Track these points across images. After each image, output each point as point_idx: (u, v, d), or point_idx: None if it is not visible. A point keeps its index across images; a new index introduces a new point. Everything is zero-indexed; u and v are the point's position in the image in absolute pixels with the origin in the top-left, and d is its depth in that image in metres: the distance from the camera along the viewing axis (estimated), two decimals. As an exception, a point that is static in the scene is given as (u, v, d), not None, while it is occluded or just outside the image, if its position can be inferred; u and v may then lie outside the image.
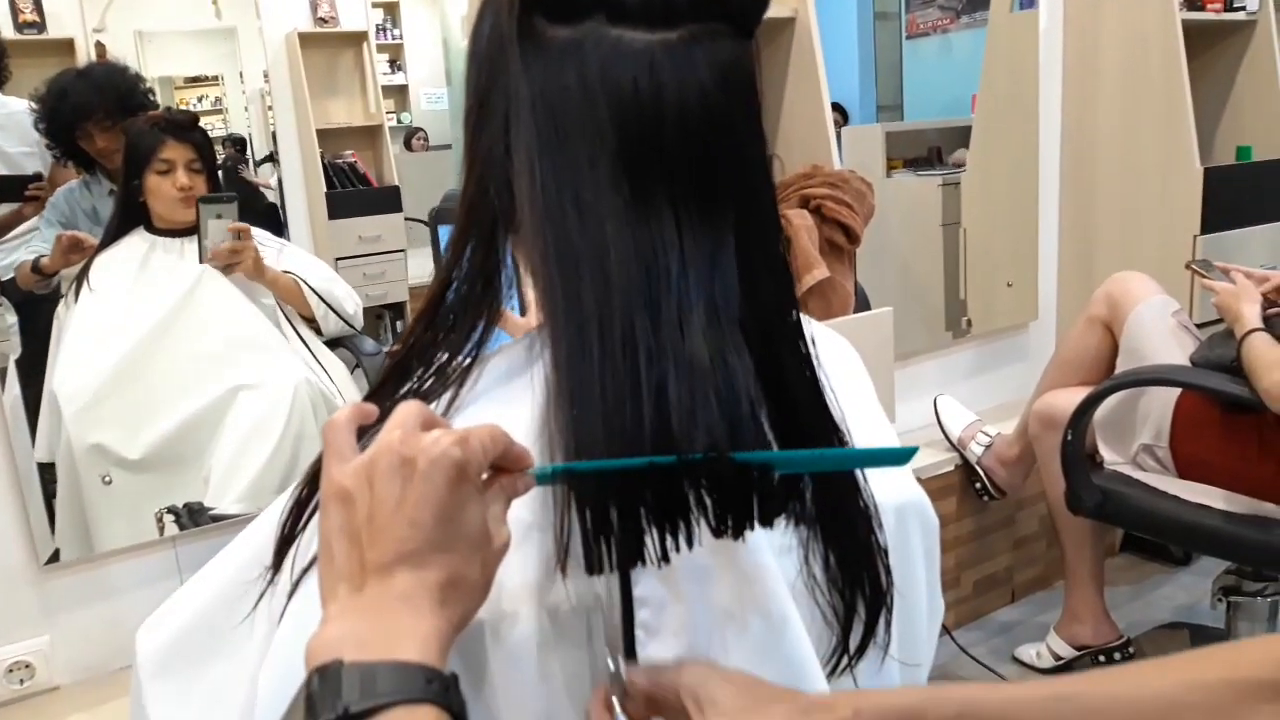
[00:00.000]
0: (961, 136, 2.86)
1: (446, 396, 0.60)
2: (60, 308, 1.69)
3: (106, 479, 1.64)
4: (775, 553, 0.61)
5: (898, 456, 0.57)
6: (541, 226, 0.56)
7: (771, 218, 0.61)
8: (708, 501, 0.54)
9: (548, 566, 0.56)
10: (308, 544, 0.58)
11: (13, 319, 1.64)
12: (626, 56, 0.54)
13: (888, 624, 0.66)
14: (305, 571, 0.57)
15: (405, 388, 0.61)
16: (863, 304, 2.23)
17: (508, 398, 0.60)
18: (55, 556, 1.55)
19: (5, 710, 1.49)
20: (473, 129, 0.60)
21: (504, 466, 0.52)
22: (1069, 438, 1.72)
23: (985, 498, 2.19)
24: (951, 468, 2.20)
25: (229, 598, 0.74)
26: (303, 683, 0.45)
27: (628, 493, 0.53)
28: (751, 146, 0.59)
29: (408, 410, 0.51)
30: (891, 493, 0.69)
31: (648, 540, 0.54)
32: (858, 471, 0.64)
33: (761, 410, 0.57)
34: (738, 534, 0.56)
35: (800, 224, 1.62)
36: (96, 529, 1.64)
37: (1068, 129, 2.65)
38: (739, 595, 0.60)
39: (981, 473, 2.17)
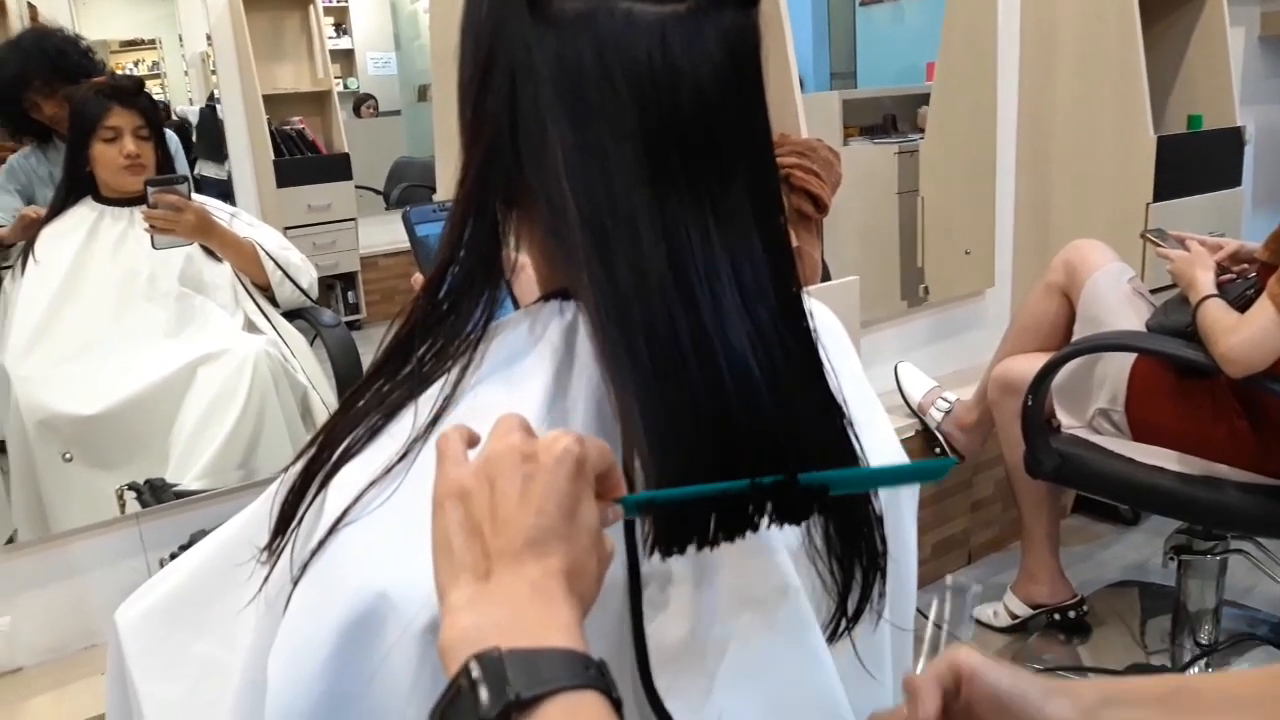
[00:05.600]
0: (916, 104, 2.89)
1: (452, 376, 0.59)
2: (6, 281, 1.65)
3: (67, 456, 1.61)
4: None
5: (936, 471, 0.59)
6: (568, 200, 0.55)
7: (776, 189, 0.61)
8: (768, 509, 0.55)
9: None
10: (307, 533, 0.58)
11: None
12: (639, 29, 0.54)
13: (882, 590, 0.67)
14: (309, 561, 0.56)
15: (407, 368, 0.61)
16: (824, 272, 2.24)
17: (515, 376, 0.60)
18: (13, 537, 1.52)
19: (-34, 693, 1.47)
20: (473, 103, 0.59)
21: (600, 491, 0.52)
22: (1029, 403, 1.76)
23: (944, 462, 2.23)
24: (912, 433, 2.24)
25: (211, 575, 0.73)
26: (459, 671, 0.44)
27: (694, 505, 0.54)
28: (759, 117, 0.60)
29: (511, 419, 0.51)
30: (885, 461, 0.70)
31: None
32: (856, 445, 0.65)
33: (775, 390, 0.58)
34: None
35: (769, 193, 1.62)
36: (54, 507, 1.61)
37: (1025, 98, 2.68)
38: (744, 568, 0.60)
39: (941, 438, 2.21)
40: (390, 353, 0.62)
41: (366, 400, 0.61)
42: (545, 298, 0.63)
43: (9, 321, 1.65)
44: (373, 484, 0.57)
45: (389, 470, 0.57)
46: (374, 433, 0.59)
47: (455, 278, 0.60)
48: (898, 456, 0.74)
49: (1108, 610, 2.15)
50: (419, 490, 0.56)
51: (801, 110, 1.90)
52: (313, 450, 0.62)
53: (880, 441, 0.72)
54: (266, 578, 0.61)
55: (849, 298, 1.71)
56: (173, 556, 1.55)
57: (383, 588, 0.53)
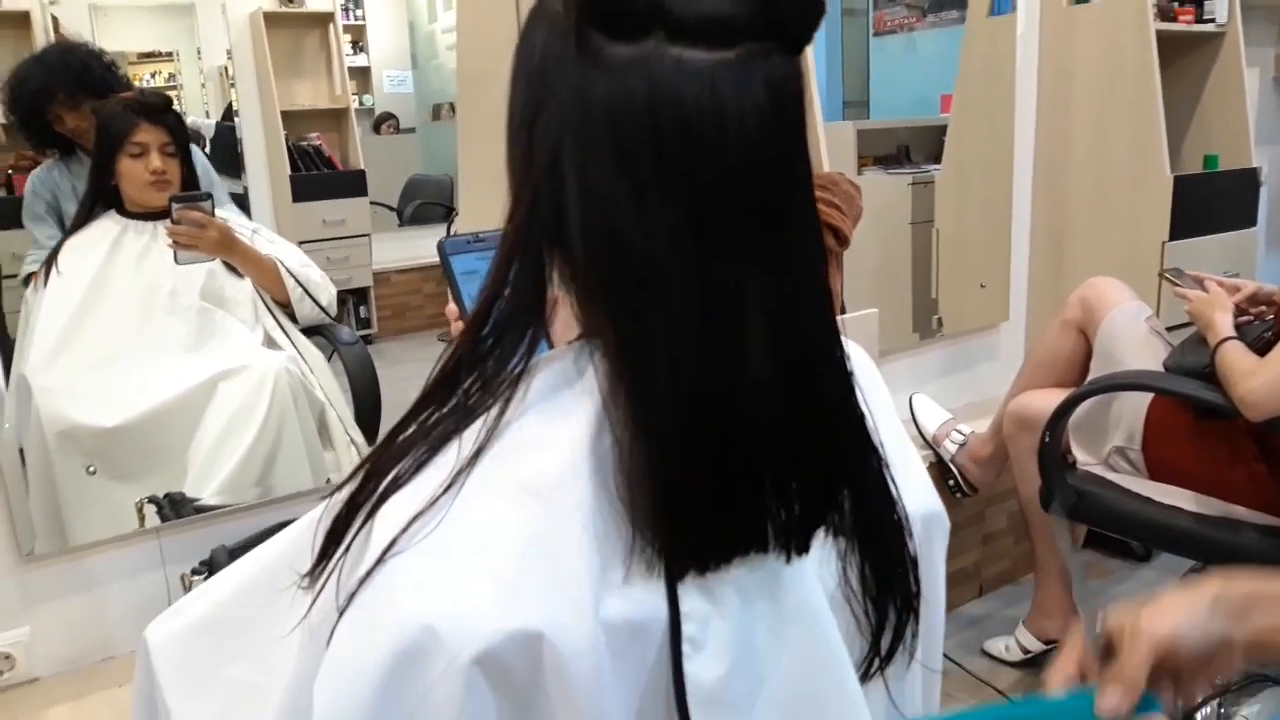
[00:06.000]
0: (929, 135, 2.90)
1: (495, 410, 0.60)
2: (29, 292, 1.67)
3: (90, 469, 1.62)
4: (814, 564, 0.63)
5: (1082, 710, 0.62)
6: (601, 245, 0.57)
7: (818, 236, 0.62)
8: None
9: (605, 577, 0.56)
10: (354, 563, 0.58)
11: None
12: (689, 76, 0.54)
13: (914, 631, 0.68)
14: (355, 591, 0.56)
15: (452, 400, 0.61)
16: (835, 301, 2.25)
17: (557, 409, 0.61)
18: (33, 549, 1.53)
19: (-16, 702, 1.48)
20: (522, 145, 0.61)
21: None
22: (1046, 439, 1.76)
23: (958, 494, 2.23)
24: (926, 465, 2.24)
25: (249, 599, 0.74)
26: None
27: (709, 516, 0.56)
28: (801, 164, 0.60)
29: None
30: (918, 504, 0.71)
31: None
32: (891, 485, 0.66)
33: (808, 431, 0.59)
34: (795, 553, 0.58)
35: (791, 225, 1.62)
36: (73, 520, 1.62)
37: (1042, 133, 2.70)
38: (780, 608, 0.61)
39: (955, 470, 2.21)
40: (436, 386, 0.62)
41: (412, 432, 0.62)
42: (585, 335, 0.64)
43: (31, 332, 1.66)
44: (419, 515, 0.57)
45: (434, 502, 0.58)
46: (420, 465, 0.60)
47: (500, 313, 0.61)
48: (930, 496, 0.75)
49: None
50: (463, 522, 0.57)
51: (824, 142, 1.91)
52: (358, 480, 0.62)
53: (913, 482, 0.72)
54: (311, 605, 0.62)
55: (868, 330, 1.72)
56: (193, 572, 1.56)
57: (429, 621, 0.54)
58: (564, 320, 0.71)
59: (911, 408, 2.31)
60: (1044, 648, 2.08)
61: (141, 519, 1.65)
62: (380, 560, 0.56)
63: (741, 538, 0.58)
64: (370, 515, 0.60)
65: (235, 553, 1.55)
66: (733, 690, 0.58)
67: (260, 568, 0.74)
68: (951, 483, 2.22)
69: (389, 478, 0.60)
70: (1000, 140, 2.63)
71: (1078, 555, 2.13)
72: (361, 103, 2.24)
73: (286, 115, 1.91)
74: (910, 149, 3.04)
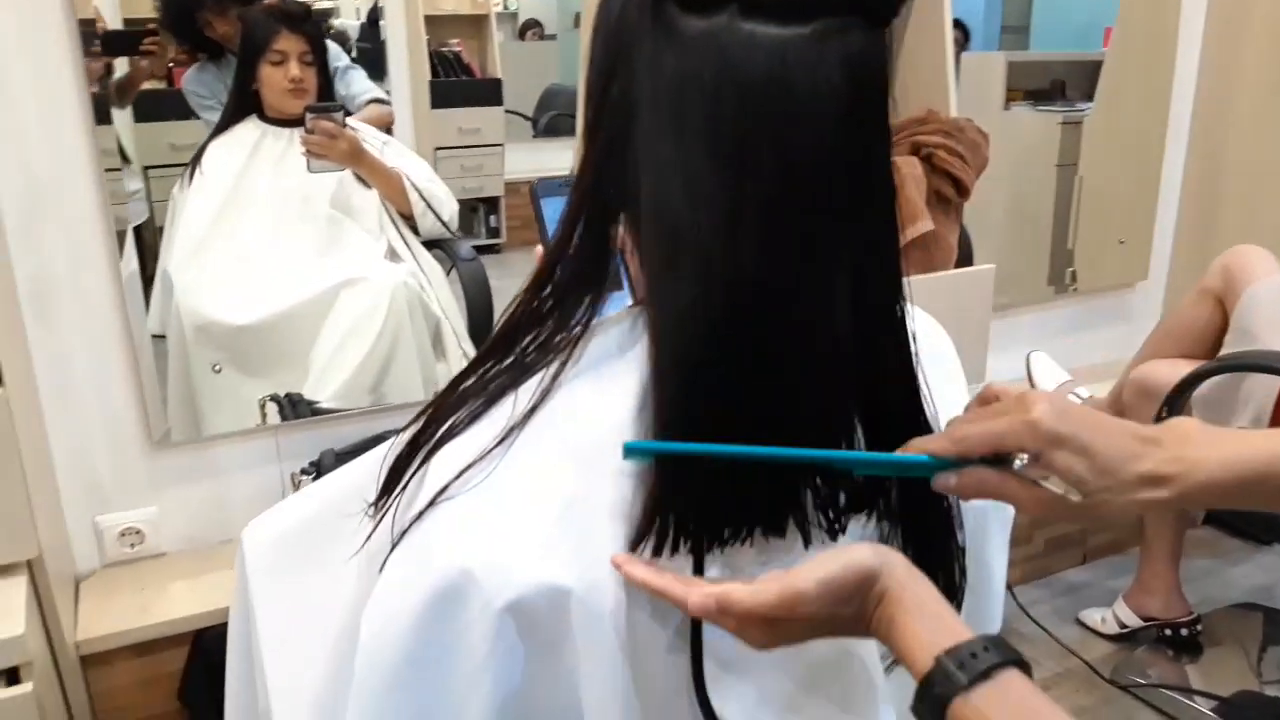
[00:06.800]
0: (1087, 71, 2.71)
1: (551, 370, 0.62)
2: (175, 189, 1.75)
3: (216, 368, 1.72)
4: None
5: (927, 467, 0.59)
6: (655, 216, 0.57)
7: (889, 220, 0.61)
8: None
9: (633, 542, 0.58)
10: (409, 501, 0.62)
11: (138, 185, 1.70)
12: (759, 51, 0.54)
13: (959, 601, 0.67)
14: (407, 529, 0.60)
15: (511, 357, 0.63)
16: (965, 247, 2.17)
17: (609, 375, 0.62)
18: (166, 434, 1.65)
19: (117, 570, 1.62)
20: (595, 104, 0.61)
21: None
22: (1164, 413, 1.68)
23: (1067, 459, 2.15)
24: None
25: (328, 518, 0.79)
26: None
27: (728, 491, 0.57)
28: (878, 143, 0.59)
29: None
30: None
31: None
32: None
33: (856, 421, 0.59)
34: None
35: (908, 172, 1.58)
36: (204, 411, 1.73)
37: (1205, 80, 2.49)
38: None
39: (1067, 434, 2.13)
40: (497, 341, 0.65)
41: (471, 383, 0.64)
42: (642, 303, 0.65)
43: (175, 229, 1.75)
44: (470, 465, 0.60)
45: (487, 454, 0.60)
46: (475, 417, 0.63)
47: (563, 274, 0.62)
48: None
49: (1225, 632, 2.06)
50: (510, 477, 0.59)
51: (952, 83, 1.82)
52: (420, 423, 0.66)
53: None
54: (370, 534, 0.66)
55: (983, 285, 1.67)
56: (302, 472, 1.66)
57: (469, 565, 0.57)
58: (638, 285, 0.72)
59: (1028, 365, 2.22)
60: (1142, 624, 2.02)
61: (264, 416, 1.75)
62: (432, 503, 0.60)
63: (769, 518, 0.59)
64: (426, 459, 0.63)
65: (342, 457, 1.64)
66: (747, 656, 0.59)
67: (338, 490, 0.79)
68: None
69: (445, 425, 0.63)
70: (1158, 82, 2.43)
71: (1185, 532, 2.04)
72: (506, 6, 2.23)
73: (429, 20, 1.91)
74: (1066, 85, 2.85)
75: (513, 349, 0.64)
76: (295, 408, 1.78)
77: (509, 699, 0.60)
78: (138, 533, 1.62)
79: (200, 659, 1.47)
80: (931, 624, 0.54)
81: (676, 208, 0.56)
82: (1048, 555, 2.32)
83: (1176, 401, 1.66)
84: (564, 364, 0.62)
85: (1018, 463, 0.58)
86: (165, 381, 1.69)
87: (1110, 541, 2.43)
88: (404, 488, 0.64)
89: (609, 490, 0.59)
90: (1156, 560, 1.99)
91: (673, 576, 0.57)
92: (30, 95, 1.43)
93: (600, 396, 0.61)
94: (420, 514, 0.60)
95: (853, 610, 0.56)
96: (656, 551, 0.58)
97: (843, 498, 0.61)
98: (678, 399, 0.57)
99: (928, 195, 1.60)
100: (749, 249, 0.55)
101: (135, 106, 1.64)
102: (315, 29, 1.79)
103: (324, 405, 1.79)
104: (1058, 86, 2.83)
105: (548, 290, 0.63)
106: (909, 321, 0.62)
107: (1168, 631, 1.99)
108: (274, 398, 1.78)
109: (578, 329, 0.62)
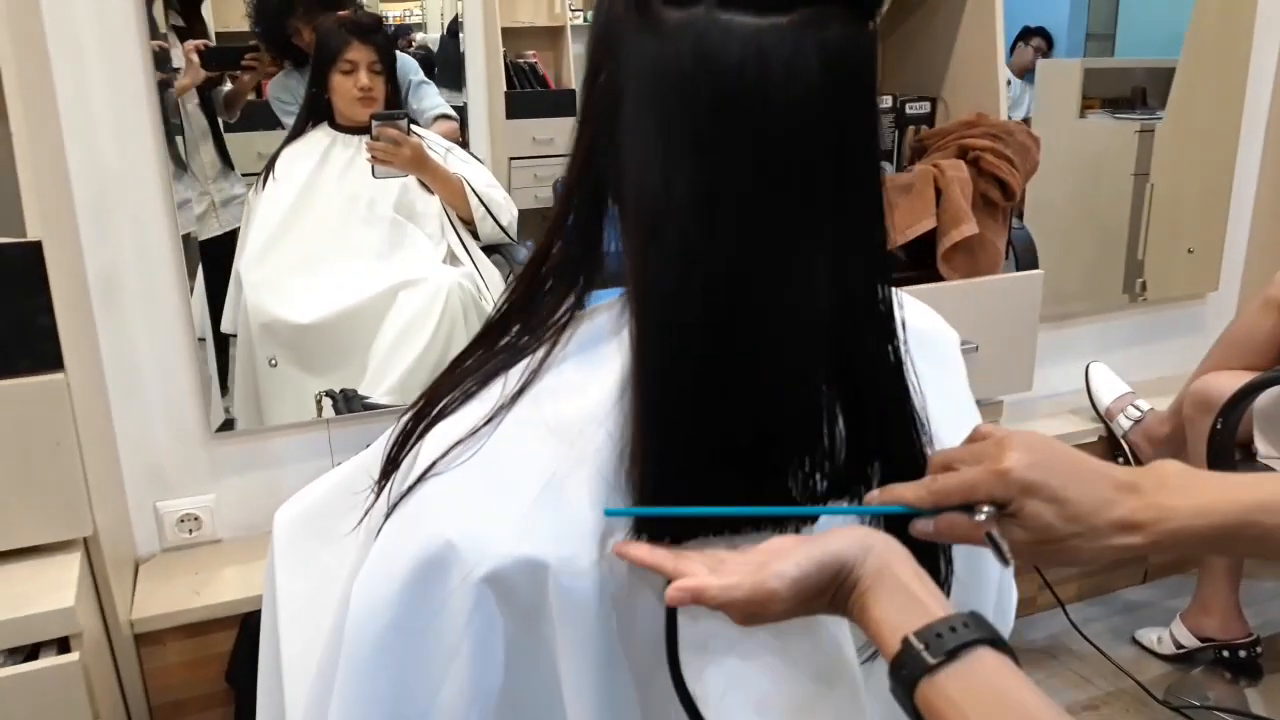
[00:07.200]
0: (1169, 79, 2.63)
1: (540, 353, 0.64)
2: (250, 193, 1.82)
3: (272, 362, 1.79)
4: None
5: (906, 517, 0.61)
6: (636, 199, 0.59)
7: (872, 207, 0.61)
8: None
9: (613, 521, 0.60)
10: (403, 476, 0.64)
11: (241, 190, 1.79)
12: (734, 40, 0.55)
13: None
14: (398, 503, 0.63)
15: (503, 341, 0.66)
16: (1028, 252, 2.13)
17: (595, 359, 0.64)
18: (224, 425, 1.72)
19: (176, 554, 1.69)
20: (585, 95, 0.63)
21: None
22: (1218, 426, 1.63)
23: (1127, 473, 2.10)
24: (1095, 438, 2.12)
25: (342, 495, 0.83)
26: None
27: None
28: (860, 133, 0.59)
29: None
30: None
31: None
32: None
33: (836, 404, 0.60)
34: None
35: (954, 175, 1.57)
36: (266, 406, 1.80)
37: (1282, 84, 2.41)
38: None
39: (1126, 447, 2.08)
40: (493, 324, 0.67)
41: (468, 365, 0.67)
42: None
43: (248, 231, 1.83)
44: (459, 442, 0.63)
45: (475, 432, 0.63)
46: (468, 396, 0.65)
47: (554, 259, 0.65)
48: None
49: (1286, 656, 1.98)
50: (496, 455, 0.62)
51: (1003, 87, 1.80)
52: (421, 403, 0.69)
53: None
54: (368, 509, 0.69)
55: (1031, 291, 1.64)
56: (349, 463, 1.70)
57: (452, 537, 0.60)
58: None
59: (1087, 377, 2.17)
60: (1199, 645, 1.95)
61: (319, 410, 1.81)
62: (422, 478, 0.63)
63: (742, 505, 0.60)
64: (421, 436, 0.66)
65: (388, 450, 1.68)
66: (721, 636, 0.60)
67: (351, 469, 0.83)
68: (1121, 460, 2.09)
69: (440, 405, 0.66)
70: (1231, 88, 2.35)
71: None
72: (585, 19, 2.26)
73: (506, 31, 1.94)
74: (1147, 92, 2.78)
75: (509, 331, 0.66)
76: (349, 402, 1.83)
77: (491, 668, 0.62)
78: (196, 519, 1.69)
79: (248, 641, 1.53)
80: (903, 605, 0.54)
81: (655, 192, 0.58)
82: (1106, 572, 2.26)
83: (1231, 414, 1.62)
84: (553, 346, 0.64)
85: (979, 515, 0.59)
86: (224, 375, 1.75)
87: (1174, 561, 2.36)
88: (398, 464, 0.67)
89: (588, 468, 0.60)
90: (1215, 579, 1.92)
91: (665, 553, 0.58)
92: (107, 109, 1.52)
93: (586, 377, 0.63)
94: (411, 488, 0.63)
95: (826, 601, 0.57)
96: (639, 534, 0.60)
97: (824, 484, 0.62)
98: (657, 383, 0.59)
99: (974, 199, 1.58)
100: (725, 233, 0.57)
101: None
102: (385, 40, 1.84)
103: (377, 400, 1.84)
104: (1138, 94, 2.76)
105: (543, 272, 0.65)
106: (897, 310, 0.63)
107: (1225, 653, 1.93)
108: (329, 393, 1.83)
109: (568, 312, 0.65)
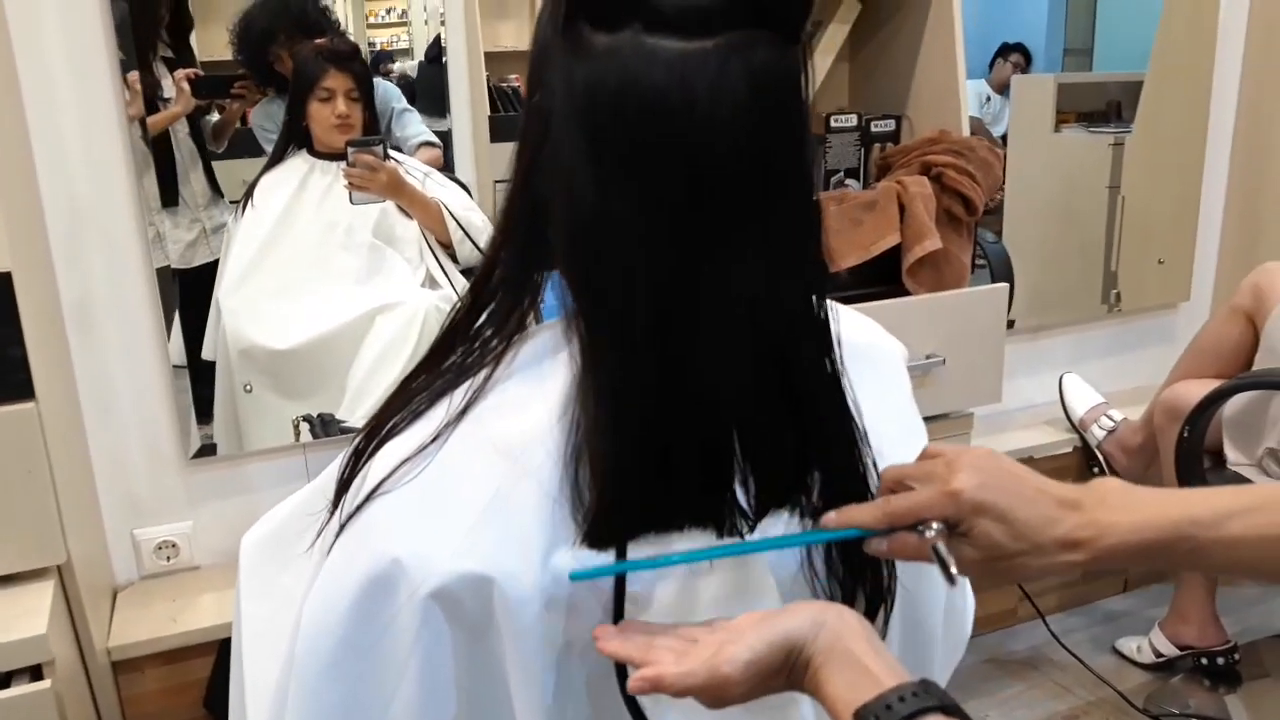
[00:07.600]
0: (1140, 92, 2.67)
1: (484, 373, 0.65)
2: (230, 220, 1.82)
3: (247, 388, 1.79)
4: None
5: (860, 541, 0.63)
6: (569, 220, 0.60)
7: (804, 224, 0.63)
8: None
9: (558, 534, 0.61)
10: (353, 496, 0.66)
11: (227, 218, 1.79)
12: (658, 64, 0.56)
13: (886, 619, 0.68)
14: (346, 522, 0.64)
15: (448, 361, 0.67)
16: (1003, 266, 2.16)
17: (538, 376, 0.65)
18: (200, 451, 1.72)
19: (153, 582, 1.69)
20: (523, 118, 0.65)
21: None
22: (1185, 434, 1.65)
23: (1101, 484, 2.11)
24: (1070, 449, 2.14)
25: (299, 517, 0.84)
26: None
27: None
28: (789, 151, 0.61)
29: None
30: None
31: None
32: (871, 470, 0.67)
33: (778, 413, 0.61)
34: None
35: (917, 191, 1.59)
36: (246, 432, 1.80)
37: (1246, 98, 2.44)
38: (727, 580, 0.64)
39: (1101, 457, 2.10)
40: (441, 344, 0.68)
41: (416, 385, 0.68)
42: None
43: (227, 258, 1.83)
44: (406, 461, 0.64)
45: (422, 450, 0.64)
46: (416, 416, 0.66)
47: (497, 279, 0.66)
48: None
49: (1270, 662, 1.99)
50: (441, 473, 0.63)
51: (964, 103, 1.82)
52: (372, 423, 0.70)
53: None
54: (320, 529, 0.70)
55: (996, 304, 1.66)
56: (326, 487, 1.70)
57: (399, 554, 0.61)
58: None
59: (1061, 388, 2.20)
60: (1178, 653, 1.96)
61: (297, 434, 1.81)
62: (369, 497, 0.64)
63: (686, 513, 0.61)
64: (370, 456, 0.67)
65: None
66: (688, 709, 0.61)
67: (309, 491, 0.83)
68: (1096, 470, 2.11)
69: (389, 424, 0.67)
70: (1197, 100, 2.39)
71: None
72: None
73: (489, 56, 1.94)
74: (1122, 106, 2.81)
75: (454, 351, 0.67)
76: (326, 427, 1.84)
77: (441, 683, 0.63)
78: (173, 546, 1.69)
79: (225, 667, 1.53)
80: (853, 680, 0.55)
81: (590, 213, 0.59)
82: (1086, 582, 2.27)
83: (1198, 422, 1.63)
84: (496, 365, 0.65)
85: (928, 532, 0.60)
86: (209, 402, 1.76)
87: (1154, 570, 2.37)
88: (348, 485, 0.68)
89: (531, 483, 0.62)
90: (1192, 588, 1.94)
91: (637, 643, 0.60)
92: (79, 140, 1.53)
93: (529, 394, 0.64)
94: (359, 507, 0.64)
95: (783, 680, 0.58)
96: (585, 542, 0.61)
97: (766, 492, 0.63)
98: (607, 396, 0.60)
99: (938, 214, 1.60)
100: (663, 251, 0.58)
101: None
102: (362, 67, 1.85)
103: (353, 425, 1.85)
104: (1113, 108, 2.79)
105: (486, 293, 0.67)
106: (832, 323, 0.65)
107: (1204, 661, 1.94)
108: (306, 418, 1.84)
109: (512, 330, 0.66)
